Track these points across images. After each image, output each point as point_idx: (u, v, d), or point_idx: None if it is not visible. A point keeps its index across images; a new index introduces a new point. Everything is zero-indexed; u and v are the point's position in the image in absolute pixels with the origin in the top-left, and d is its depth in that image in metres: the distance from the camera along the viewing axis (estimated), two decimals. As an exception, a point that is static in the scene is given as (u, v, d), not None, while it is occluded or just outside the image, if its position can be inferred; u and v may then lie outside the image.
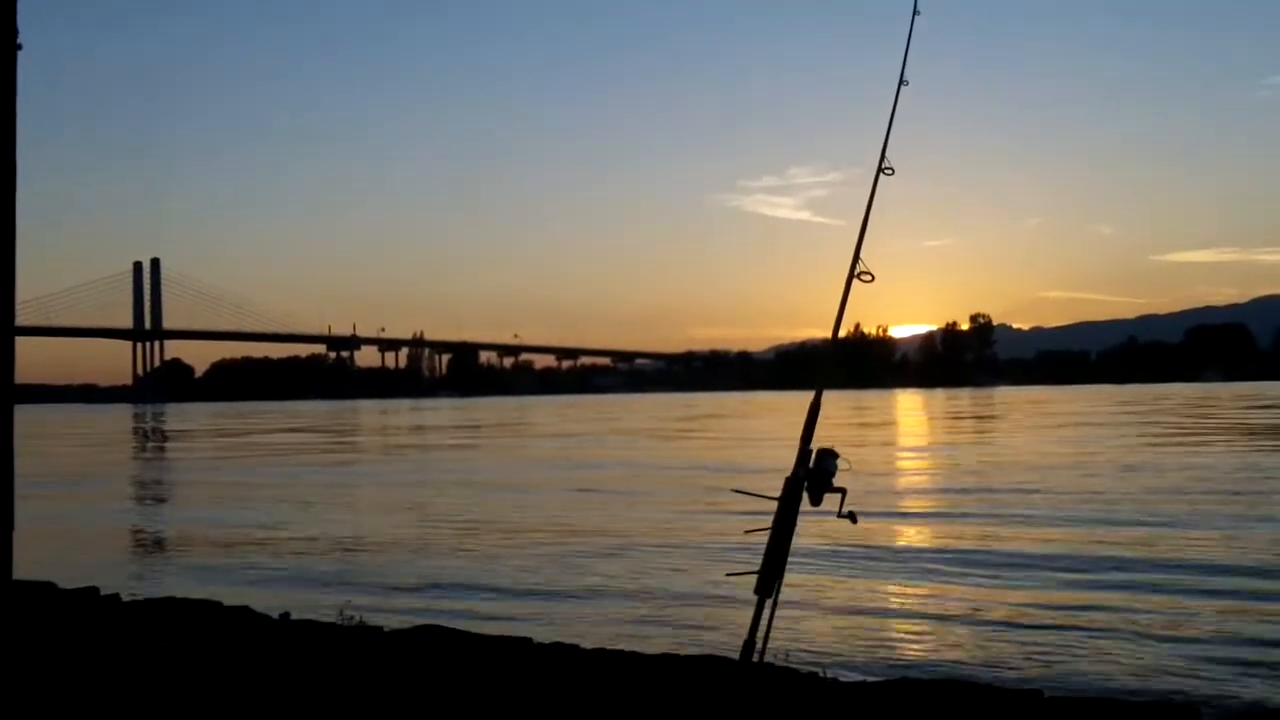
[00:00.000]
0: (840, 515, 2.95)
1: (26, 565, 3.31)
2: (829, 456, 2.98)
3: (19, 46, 3.31)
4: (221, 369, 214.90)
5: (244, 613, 7.01)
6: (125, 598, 7.68)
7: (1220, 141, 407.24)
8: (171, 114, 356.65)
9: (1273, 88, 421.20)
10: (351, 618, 7.06)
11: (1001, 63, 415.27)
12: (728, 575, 3.02)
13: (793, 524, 2.92)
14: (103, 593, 7.69)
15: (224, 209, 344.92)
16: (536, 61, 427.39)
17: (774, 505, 2.95)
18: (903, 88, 3.42)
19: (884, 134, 3.32)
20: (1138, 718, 4.91)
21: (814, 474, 2.97)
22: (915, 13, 3.49)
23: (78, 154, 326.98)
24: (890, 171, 3.33)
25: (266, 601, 7.98)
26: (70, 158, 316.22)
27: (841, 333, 3.40)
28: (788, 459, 2.96)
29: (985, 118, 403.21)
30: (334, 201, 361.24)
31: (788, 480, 2.95)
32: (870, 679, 5.77)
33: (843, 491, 2.96)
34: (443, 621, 7.16)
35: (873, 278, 3.17)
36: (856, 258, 3.19)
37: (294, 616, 7.13)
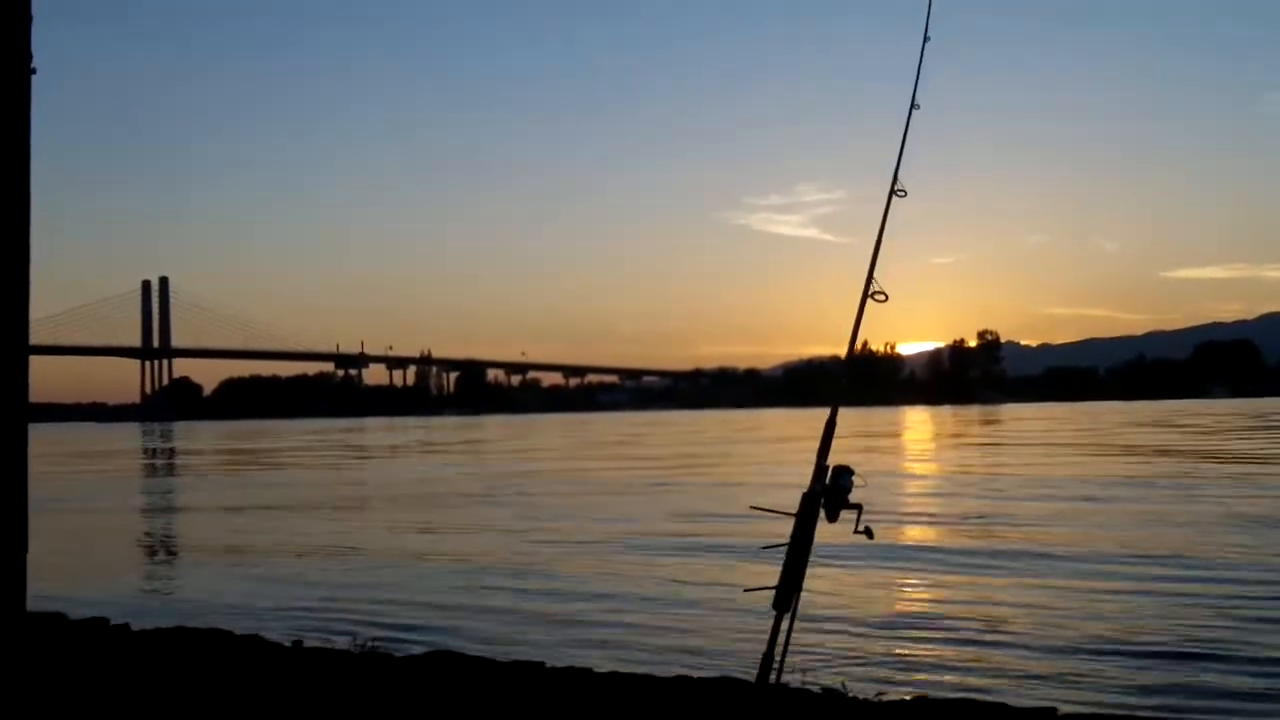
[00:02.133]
0: (857, 531, 2.95)
1: (33, 593, 3.29)
2: (844, 473, 2.98)
3: (33, 70, 3.32)
4: (230, 387, 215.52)
5: (255, 641, 6.98)
6: (135, 628, 7.64)
7: (1228, 157, 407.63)
8: (179, 133, 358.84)
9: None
10: (364, 644, 7.03)
11: (1006, 79, 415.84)
12: (745, 590, 3.02)
13: (810, 539, 2.91)
14: (113, 623, 7.67)
15: (232, 228, 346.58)
16: (542, 78, 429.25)
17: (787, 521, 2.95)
18: (915, 111, 3.43)
19: (892, 153, 3.34)
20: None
21: (830, 490, 2.97)
22: (925, 39, 3.50)
23: (85, 172, 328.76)
24: (903, 194, 3.34)
25: (277, 630, 7.97)
26: (78, 176, 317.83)
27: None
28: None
29: (991, 134, 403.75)
30: (341, 220, 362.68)
31: (804, 496, 2.95)
32: (887, 697, 5.74)
33: (859, 508, 2.96)
34: (455, 647, 7.14)
35: (886, 297, 3.18)
36: (870, 278, 3.20)
37: (306, 644, 7.11)
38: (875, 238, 3.28)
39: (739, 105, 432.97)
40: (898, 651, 7.33)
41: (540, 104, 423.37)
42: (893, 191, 3.30)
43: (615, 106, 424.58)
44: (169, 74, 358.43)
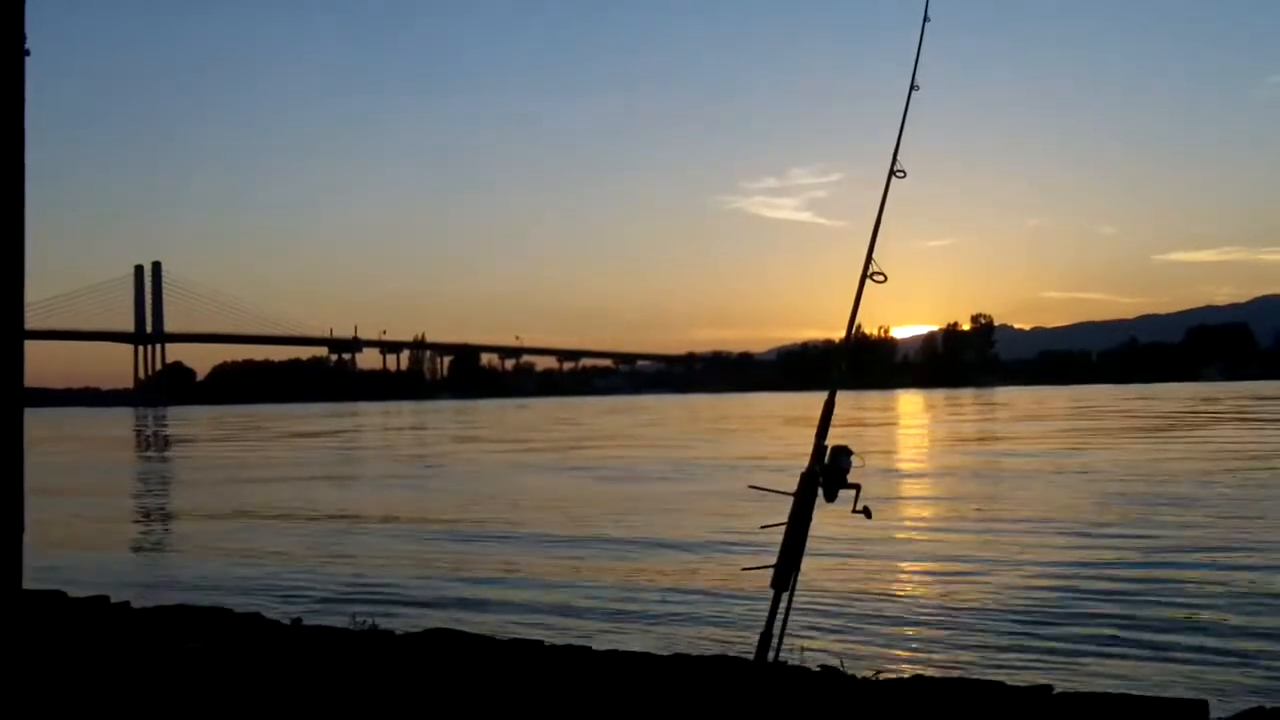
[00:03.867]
0: (855, 510, 2.96)
1: (33, 573, 3.30)
2: (843, 453, 2.99)
3: (27, 52, 3.31)
4: (223, 372, 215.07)
5: (254, 619, 6.99)
6: (135, 605, 7.65)
7: (1222, 141, 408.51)
8: (172, 118, 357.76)
9: (1274, 87, 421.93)
10: (363, 622, 7.05)
11: (1003, 63, 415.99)
12: (744, 569, 3.03)
13: (808, 518, 2.93)
14: (113, 601, 7.68)
15: (225, 212, 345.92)
16: (536, 63, 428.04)
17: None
18: (913, 93, 3.41)
19: (889, 135, 3.32)
20: (1147, 712, 4.89)
21: (828, 470, 2.98)
22: (925, 19, 3.48)
23: (79, 158, 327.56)
24: (902, 174, 3.33)
25: (277, 608, 7.98)
26: (71, 161, 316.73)
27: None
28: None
29: (986, 118, 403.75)
30: (335, 204, 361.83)
31: (803, 475, 2.96)
32: (883, 675, 5.77)
33: (856, 487, 2.97)
34: (454, 625, 7.16)
35: (885, 278, 3.17)
36: (869, 259, 3.19)
37: (305, 622, 7.12)
38: (871, 220, 3.28)
39: (734, 90, 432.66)
40: (895, 630, 7.38)
41: (533, 92, 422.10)
42: (892, 172, 3.30)
43: (609, 92, 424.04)
44: (162, 59, 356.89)
